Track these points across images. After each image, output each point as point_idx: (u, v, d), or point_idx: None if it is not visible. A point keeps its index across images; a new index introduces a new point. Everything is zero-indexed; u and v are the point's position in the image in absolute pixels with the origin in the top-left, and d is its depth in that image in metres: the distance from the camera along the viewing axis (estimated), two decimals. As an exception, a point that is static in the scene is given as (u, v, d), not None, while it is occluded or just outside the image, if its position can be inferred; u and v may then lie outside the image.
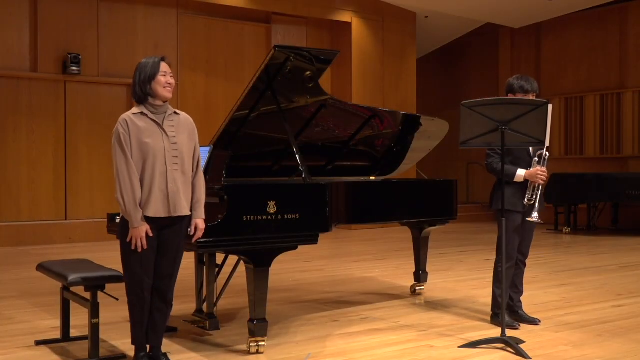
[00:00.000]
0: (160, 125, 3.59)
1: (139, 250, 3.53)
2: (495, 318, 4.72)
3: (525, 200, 4.59)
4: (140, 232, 3.52)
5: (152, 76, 3.58)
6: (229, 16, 11.56)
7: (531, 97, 4.61)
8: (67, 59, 9.89)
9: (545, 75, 13.83)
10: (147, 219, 3.54)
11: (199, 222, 3.70)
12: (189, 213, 3.68)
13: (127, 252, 3.58)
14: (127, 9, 10.60)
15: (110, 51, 10.44)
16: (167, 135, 3.59)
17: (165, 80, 3.60)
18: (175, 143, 3.60)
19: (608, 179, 10.91)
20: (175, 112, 3.69)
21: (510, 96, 4.63)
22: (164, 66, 3.62)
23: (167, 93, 3.61)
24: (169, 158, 3.57)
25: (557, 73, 13.70)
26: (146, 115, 3.59)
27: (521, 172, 4.60)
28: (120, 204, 3.52)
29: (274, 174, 5.33)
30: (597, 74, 13.12)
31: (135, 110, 3.62)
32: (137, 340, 3.67)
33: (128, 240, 3.54)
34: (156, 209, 3.54)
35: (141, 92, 3.59)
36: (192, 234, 3.69)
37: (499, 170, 4.51)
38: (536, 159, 4.60)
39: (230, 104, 5.01)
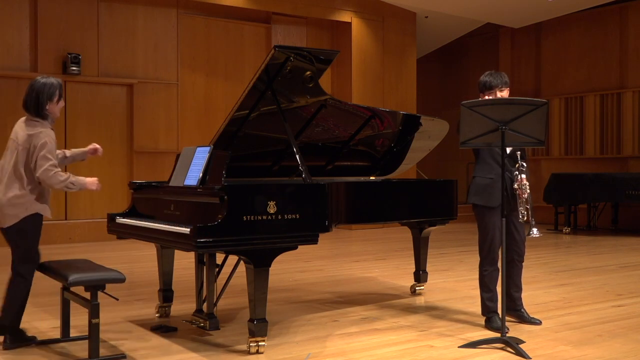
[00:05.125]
0: None
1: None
2: (488, 323, 4.66)
3: (520, 217, 4.50)
4: (92, 179, 4.18)
5: (58, 99, 4.15)
6: (229, 16, 11.56)
7: (499, 92, 4.56)
8: (67, 59, 9.89)
9: (545, 75, 13.83)
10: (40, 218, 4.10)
11: None
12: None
13: (33, 243, 4.09)
14: (127, 9, 10.60)
15: (110, 51, 10.44)
16: None
17: (61, 105, 4.17)
18: None
19: (608, 179, 10.89)
20: None
21: (482, 96, 4.60)
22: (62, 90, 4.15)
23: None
24: None
25: (557, 73, 13.69)
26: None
27: None
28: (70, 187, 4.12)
29: (274, 174, 5.33)
30: (597, 74, 13.11)
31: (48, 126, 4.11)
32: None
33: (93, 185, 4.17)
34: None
35: (44, 111, 4.13)
36: None
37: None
38: (516, 172, 4.50)
39: (230, 104, 5.01)
